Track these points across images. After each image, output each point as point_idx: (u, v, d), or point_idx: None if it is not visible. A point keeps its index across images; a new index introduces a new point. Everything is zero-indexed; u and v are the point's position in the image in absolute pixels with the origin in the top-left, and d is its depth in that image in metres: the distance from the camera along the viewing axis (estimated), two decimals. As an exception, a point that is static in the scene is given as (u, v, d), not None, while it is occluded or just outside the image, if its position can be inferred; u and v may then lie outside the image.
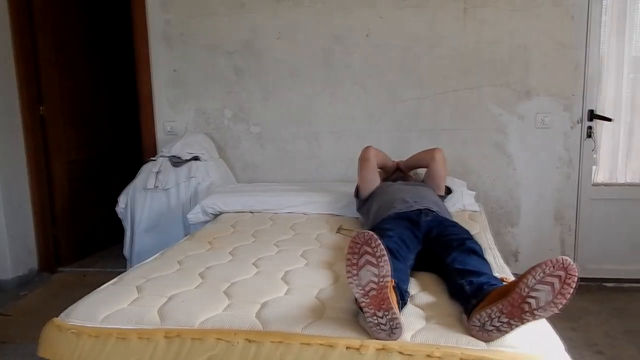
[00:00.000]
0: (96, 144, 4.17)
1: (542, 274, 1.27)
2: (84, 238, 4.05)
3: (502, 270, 1.90)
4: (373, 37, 3.33)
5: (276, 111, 3.49)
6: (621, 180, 3.39)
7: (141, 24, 3.46)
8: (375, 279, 1.33)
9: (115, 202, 3.29)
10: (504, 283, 1.47)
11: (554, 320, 2.85)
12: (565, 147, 3.31)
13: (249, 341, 1.37)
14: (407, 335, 1.37)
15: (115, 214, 3.32)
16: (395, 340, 1.34)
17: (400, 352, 1.30)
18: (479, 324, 1.33)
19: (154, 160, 3.35)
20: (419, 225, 2.04)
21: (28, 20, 3.54)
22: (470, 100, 3.32)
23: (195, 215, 2.95)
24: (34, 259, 3.71)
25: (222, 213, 2.94)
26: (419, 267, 1.87)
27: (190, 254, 2.14)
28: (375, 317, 1.33)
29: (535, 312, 1.28)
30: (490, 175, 3.38)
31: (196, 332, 1.43)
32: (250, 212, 2.95)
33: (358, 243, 1.35)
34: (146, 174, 3.27)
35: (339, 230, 2.52)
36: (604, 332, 2.76)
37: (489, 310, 1.32)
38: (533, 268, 1.29)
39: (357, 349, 1.32)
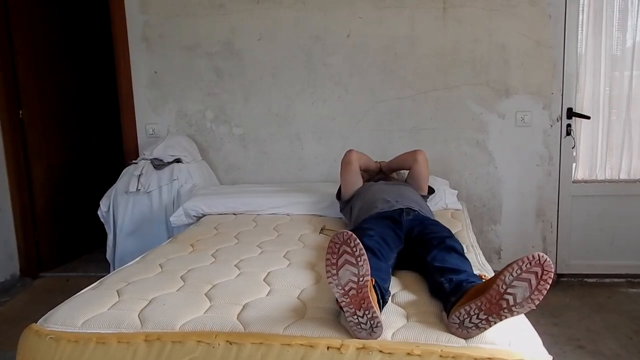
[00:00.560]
0: (77, 147, 4.13)
1: (518, 271, 1.29)
2: (66, 242, 4.00)
3: (483, 268, 1.92)
4: (353, 38, 3.35)
5: (258, 112, 3.48)
6: (600, 177, 3.43)
7: (120, 25, 3.44)
8: (355, 279, 1.34)
9: (97, 205, 3.26)
10: (483, 280, 1.49)
11: (536, 316, 2.89)
12: (545, 145, 3.35)
13: (230, 343, 1.37)
14: (387, 334, 1.37)
15: (98, 217, 3.28)
16: (376, 339, 1.35)
17: (380, 351, 1.30)
18: (458, 321, 1.35)
19: (136, 163, 3.33)
20: (400, 224, 2.05)
21: (4, 21, 3.49)
22: (451, 99, 3.35)
23: (178, 218, 2.93)
24: (15, 264, 3.66)
25: (205, 215, 2.93)
26: (400, 266, 1.88)
27: (172, 256, 2.13)
28: (355, 317, 1.33)
29: (513, 308, 1.29)
30: (472, 174, 3.41)
31: (176, 335, 1.42)
32: (234, 213, 2.95)
33: (337, 243, 1.36)
34: (128, 177, 3.24)
35: (322, 230, 2.52)
36: (586, 327, 2.80)
37: (467, 308, 1.33)
38: (510, 265, 1.31)
39: (338, 349, 1.32)
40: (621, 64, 3.32)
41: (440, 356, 1.29)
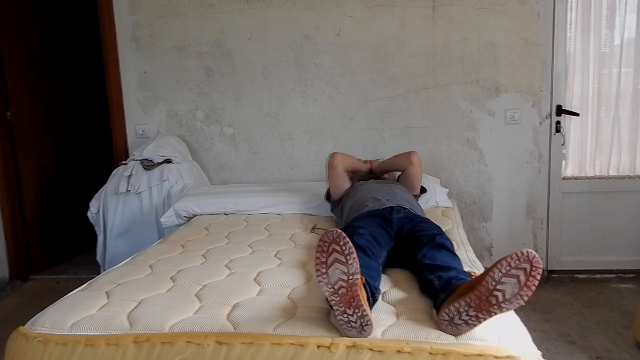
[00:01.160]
0: (66, 149, 4.10)
1: (508, 268, 1.29)
2: (56, 245, 3.98)
3: (474, 266, 1.93)
4: (344, 37, 3.34)
5: (249, 112, 3.47)
6: (590, 174, 3.45)
7: (109, 26, 3.41)
8: (345, 277, 1.33)
9: (88, 207, 3.24)
10: (472, 277, 1.49)
11: (528, 313, 2.91)
12: (535, 143, 3.36)
13: (220, 343, 1.37)
14: (378, 332, 1.37)
15: (88, 219, 3.26)
16: (366, 337, 1.34)
17: (370, 349, 1.30)
18: (448, 318, 1.35)
19: (126, 164, 3.31)
20: (391, 222, 2.06)
21: (-8, 24, 3.47)
22: (441, 97, 3.35)
23: (168, 219, 2.92)
24: (5, 267, 3.63)
25: (196, 216, 2.92)
26: (391, 264, 1.88)
27: (162, 257, 2.12)
28: (345, 315, 1.33)
29: (502, 305, 1.30)
30: (463, 172, 3.42)
31: (166, 336, 1.42)
32: (225, 214, 2.94)
33: (327, 242, 1.35)
34: (118, 178, 3.22)
35: (313, 230, 2.52)
36: (577, 323, 2.82)
37: (457, 305, 1.33)
38: (499, 262, 1.31)
39: (328, 348, 1.32)
40: (610, 61, 3.34)
41: (430, 353, 1.29)
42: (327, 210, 2.80)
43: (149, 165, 3.22)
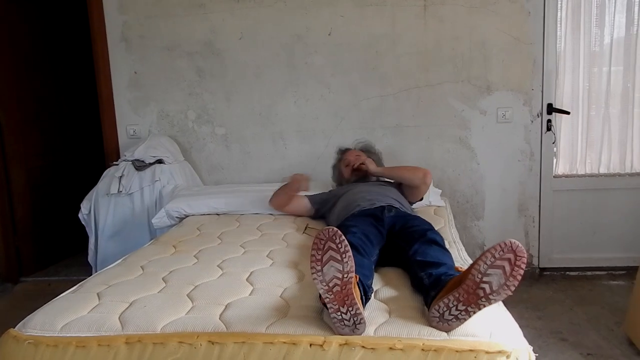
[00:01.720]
0: (57, 150, 4.07)
1: (492, 259, 1.30)
2: (47, 246, 3.95)
3: (466, 264, 1.93)
4: (335, 36, 3.34)
5: (240, 112, 3.46)
6: (581, 172, 3.47)
7: (99, 26, 3.39)
8: (340, 275, 1.34)
9: (78, 208, 3.22)
10: (460, 272, 1.50)
11: (520, 310, 2.93)
12: (527, 141, 3.38)
13: (212, 343, 1.36)
14: (370, 330, 1.38)
15: (79, 220, 3.24)
16: (358, 335, 1.35)
17: (363, 347, 1.30)
18: (438, 314, 1.35)
19: (117, 164, 3.29)
20: (382, 221, 2.06)
21: (-20, 24, 3.44)
22: (433, 96, 3.36)
23: (160, 219, 2.91)
24: (-6, 270, 3.61)
25: (187, 216, 2.91)
26: (383, 262, 1.88)
27: (153, 258, 2.11)
28: (339, 313, 1.33)
29: (490, 296, 1.30)
30: (455, 170, 3.43)
31: (158, 336, 1.41)
32: (217, 214, 2.93)
33: (322, 239, 1.35)
34: (109, 178, 3.21)
35: (305, 230, 2.52)
36: (568, 320, 2.83)
37: (446, 300, 1.34)
38: (483, 254, 1.32)
39: (321, 345, 1.32)
40: (600, 59, 3.36)
41: (422, 350, 1.29)
42: (319, 209, 2.79)
43: (140, 165, 3.20)
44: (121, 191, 3.10)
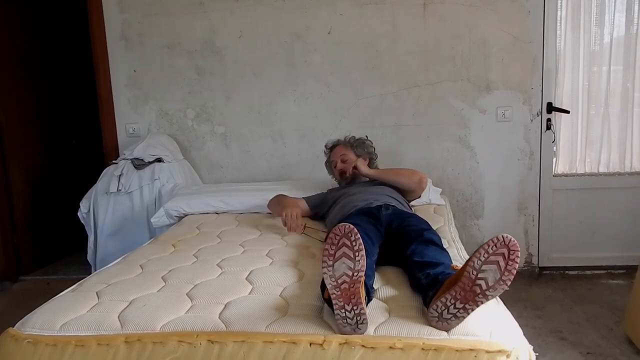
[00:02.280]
0: (56, 148, 4.07)
1: (486, 255, 1.30)
2: (46, 245, 3.95)
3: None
4: (335, 35, 3.34)
5: (240, 110, 3.46)
6: (580, 171, 3.47)
7: (98, 24, 3.39)
8: (350, 273, 1.33)
9: (78, 207, 3.22)
10: (456, 271, 1.49)
11: (519, 309, 2.92)
12: (526, 139, 3.38)
13: (212, 342, 1.36)
14: (370, 329, 1.38)
15: (78, 219, 3.24)
16: (359, 334, 1.34)
17: (363, 346, 1.30)
18: (436, 313, 1.35)
19: (116, 163, 3.29)
20: (379, 219, 2.06)
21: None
22: (433, 95, 3.36)
23: (159, 218, 2.90)
24: (-7, 268, 3.61)
25: (186, 215, 2.90)
26: (381, 261, 1.88)
27: (152, 257, 2.10)
28: (343, 311, 1.33)
29: (486, 292, 1.30)
30: (454, 169, 3.43)
31: (157, 335, 1.41)
32: (216, 213, 2.92)
33: (337, 235, 1.35)
34: (108, 177, 3.20)
35: (304, 229, 2.51)
36: (568, 319, 2.83)
37: (443, 299, 1.34)
38: (477, 250, 1.32)
39: (320, 345, 1.32)
40: (599, 59, 3.36)
41: (422, 349, 1.29)
42: (318, 208, 2.79)
43: (139, 164, 3.20)
44: (120, 190, 3.10)
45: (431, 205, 2.90)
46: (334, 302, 1.34)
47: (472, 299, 1.31)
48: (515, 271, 1.29)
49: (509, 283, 1.30)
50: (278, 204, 2.63)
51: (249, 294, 1.68)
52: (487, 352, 1.27)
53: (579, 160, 3.46)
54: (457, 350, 1.28)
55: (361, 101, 3.39)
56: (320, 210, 2.66)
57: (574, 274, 3.48)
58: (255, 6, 3.34)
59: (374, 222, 2.01)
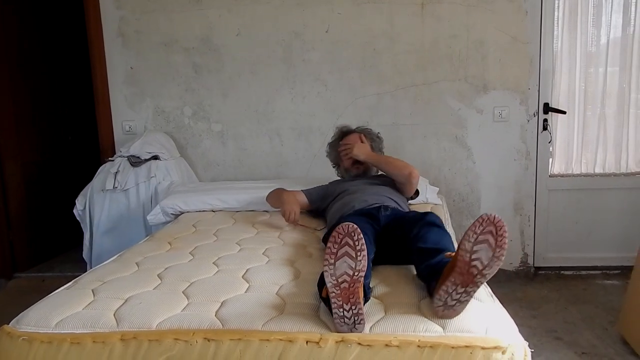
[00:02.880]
0: (52, 145, 4.05)
1: (474, 235, 1.32)
2: (42, 242, 3.93)
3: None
4: (332, 33, 3.34)
5: (237, 109, 3.45)
6: (576, 171, 3.48)
7: (95, 21, 3.38)
8: (350, 272, 1.34)
9: (73, 204, 3.20)
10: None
11: (515, 309, 2.93)
12: (523, 140, 3.38)
13: (208, 340, 1.35)
14: (366, 327, 1.37)
15: (74, 216, 3.22)
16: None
17: (359, 344, 1.30)
18: (441, 303, 1.37)
19: (112, 160, 3.28)
20: (378, 220, 2.06)
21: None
22: (430, 94, 3.36)
23: (155, 216, 2.89)
24: (-12, 265, 3.59)
25: (183, 213, 2.90)
26: (377, 260, 1.88)
27: (148, 255, 2.10)
28: (341, 310, 1.33)
29: (483, 271, 1.32)
30: (451, 169, 3.43)
31: (153, 333, 1.40)
32: (212, 211, 2.92)
33: (341, 233, 1.36)
34: (104, 174, 3.19)
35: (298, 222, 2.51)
36: (563, 319, 2.84)
37: (445, 287, 1.36)
38: (466, 233, 1.34)
39: (317, 343, 1.32)
40: (596, 60, 3.36)
41: (418, 346, 1.29)
42: (314, 207, 2.78)
43: (135, 161, 3.19)
44: (116, 187, 3.09)
45: (428, 204, 2.90)
46: (332, 300, 1.34)
47: (472, 280, 1.33)
48: (506, 246, 1.32)
49: (502, 259, 1.32)
50: (277, 199, 2.63)
51: (246, 292, 1.67)
52: (483, 348, 1.28)
53: (575, 161, 3.47)
54: (452, 347, 1.28)
55: (358, 100, 3.39)
56: (320, 205, 2.64)
57: (570, 274, 3.49)
58: (253, 4, 3.33)
59: (371, 222, 2.01)
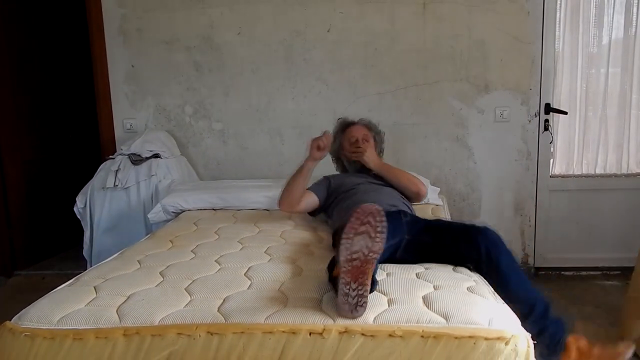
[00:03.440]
0: (52, 143, 4.05)
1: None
2: (42, 240, 3.92)
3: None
4: (334, 33, 3.34)
5: (238, 107, 3.45)
6: (577, 172, 3.48)
7: (97, 19, 3.38)
8: (365, 251, 1.35)
9: (74, 202, 3.20)
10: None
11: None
12: (524, 140, 3.38)
13: (211, 334, 1.35)
14: (369, 317, 1.38)
15: (74, 214, 3.22)
16: (355, 319, 1.36)
17: (362, 334, 1.31)
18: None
19: (113, 158, 3.27)
20: (401, 224, 2.01)
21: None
22: (431, 94, 3.36)
23: (156, 214, 2.89)
24: (-12, 263, 3.58)
25: (183, 211, 2.89)
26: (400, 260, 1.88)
27: (150, 252, 2.09)
28: (347, 287, 1.34)
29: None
30: (452, 169, 3.43)
31: (156, 328, 1.40)
32: (213, 209, 2.91)
33: (365, 212, 1.38)
34: (105, 172, 3.19)
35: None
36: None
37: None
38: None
39: (320, 334, 1.32)
40: (597, 61, 3.37)
41: (422, 337, 1.30)
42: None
43: (136, 159, 3.19)
44: (117, 185, 3.09)
45: (429, 205, 2.90)
46: (341, 276, 1.35)
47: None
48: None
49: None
50: (292, 178, 2.48)
51: (248, 289, 1.67)
52: (486, 339, 1.28)
53: (576, 162, 3.47)
54: (456, 338, 1.28)
55: (359, 99, 3.39)
56: (325, 203, 2.53)
57: (570, 274, 3.49)
58: (255, 3, 3.34)
59: (393, 225, 1.94)
